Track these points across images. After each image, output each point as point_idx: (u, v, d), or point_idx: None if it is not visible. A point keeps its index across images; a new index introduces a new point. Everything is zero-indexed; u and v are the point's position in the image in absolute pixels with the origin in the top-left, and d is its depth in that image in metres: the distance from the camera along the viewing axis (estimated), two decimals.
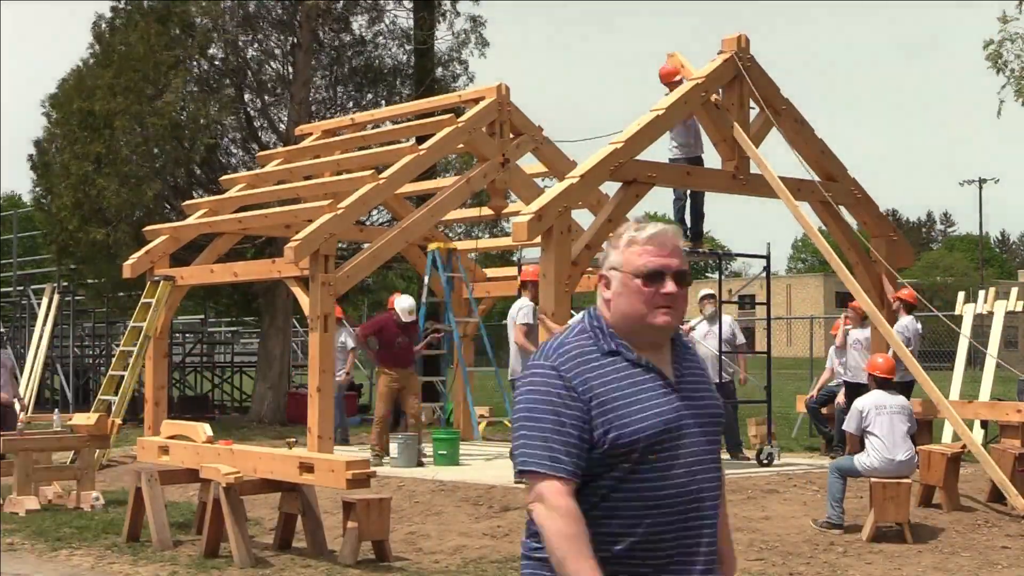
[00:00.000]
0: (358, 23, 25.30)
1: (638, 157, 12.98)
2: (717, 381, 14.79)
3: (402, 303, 14.90)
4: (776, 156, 13.58)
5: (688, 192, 14.20)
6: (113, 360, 16.48)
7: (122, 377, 15.75)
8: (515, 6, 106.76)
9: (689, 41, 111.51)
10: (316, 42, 24.01)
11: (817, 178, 14.36)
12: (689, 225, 14.29)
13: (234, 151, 25.12)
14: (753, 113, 13.99)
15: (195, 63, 23.71)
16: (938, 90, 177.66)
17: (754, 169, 13.75)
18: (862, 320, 14.67)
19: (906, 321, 14.19)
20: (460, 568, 8.92)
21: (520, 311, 12.57)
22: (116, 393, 15.69)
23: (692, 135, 13.91)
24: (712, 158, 13.99)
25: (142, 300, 16.31)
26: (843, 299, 15.37)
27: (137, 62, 22.50)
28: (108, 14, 24.46)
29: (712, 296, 15.42)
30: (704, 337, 14.68)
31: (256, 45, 24.37)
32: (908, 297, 14.46)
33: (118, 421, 14.44)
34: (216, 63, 24.38)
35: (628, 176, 12.86)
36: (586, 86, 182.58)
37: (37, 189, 26.49)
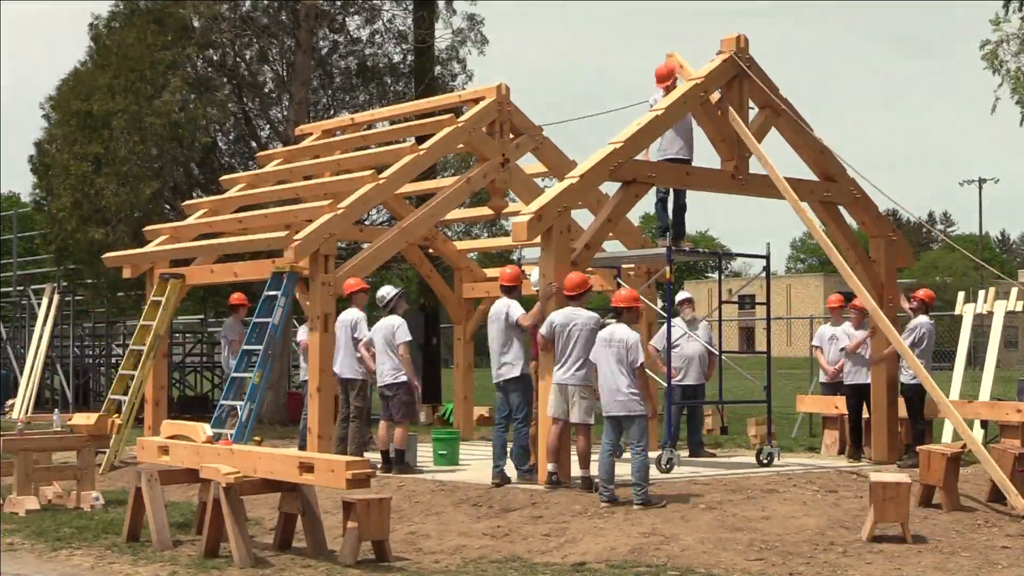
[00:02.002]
0: (355, 23, 25.33)
1: (638, 157, 13.00)
2: (701, 382, 14.93)
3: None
4: (775, 156, 13.57)
5: (670, 189, 14.15)
6: (123, 359, 16.46)
7: (132, 376, 15.73)
8: (516, 5, 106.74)
9: (689, 41, 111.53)
10: (314, 42, 24.02)
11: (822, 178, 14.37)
12: (672, 222, 14.23)
13: (232, 151, 25.14)
14: (752, 113, 14.00)
15: (193, 63, 23.73)
16: (938, 89, 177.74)
17: (753, 169, 13.75)
18: (840, 319, 14.90)
19: (922, 319, 14.18)
20: (460, 568, 8.93)
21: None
22: (125, 393, 15.67)
23: (684, 136, 13.87)
24: (712, 158, 14.00)
25: (151, 298, 16.28)
26: (843, 299, 15.38)
27: (134, 62, 22.51)
28: (105, 15, 24.51)
29: (690, 300, 15.54)
30: (687, 339, 14.77)
31: (254, 46, 24.38)
32: (925, 296, 14.46)
33: (119, 421, 14.42)
34: (213, 63, 24.39)
35: (627, 176, 12.87)
36: (586, 85, 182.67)
37: (37, 190, 26.53)
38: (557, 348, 11.77)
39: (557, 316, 11.83)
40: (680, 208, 14.16)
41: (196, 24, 23.21)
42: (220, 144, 25.17)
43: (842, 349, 14.97)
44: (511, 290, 12.62)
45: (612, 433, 11.19)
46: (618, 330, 11.18)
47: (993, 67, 17.97)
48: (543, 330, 11.87)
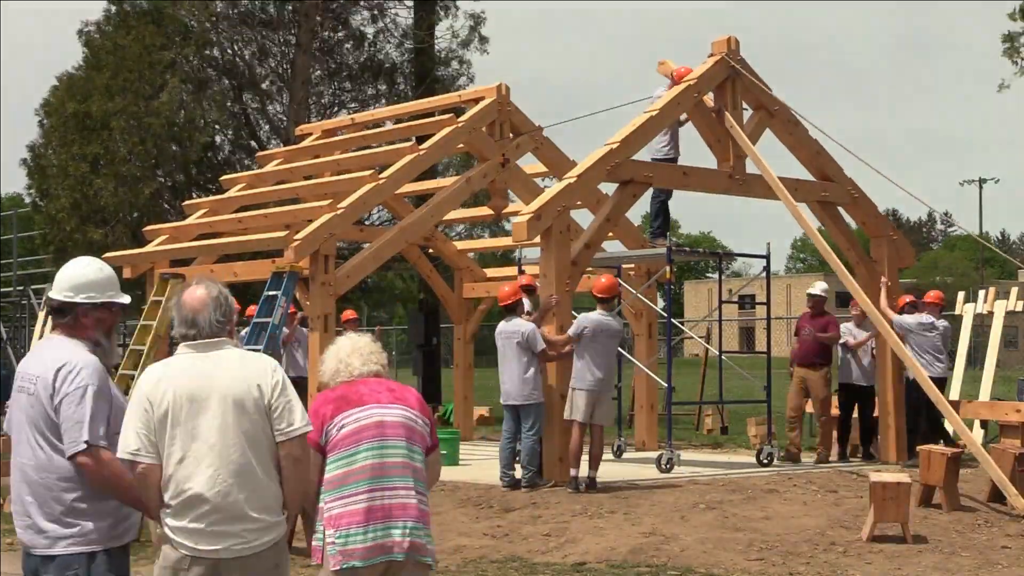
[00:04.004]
0: (357, 20, 25.35)
1: (635, 157, 13.02)
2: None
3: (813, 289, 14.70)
4: (771, 157, 13.59)
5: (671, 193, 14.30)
6: (123, 359, 16.43)
7: (132, 376, 15.68)
8: (515, 5, 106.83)
9: (689, 40, 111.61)
10: (315, 40, 24.03)
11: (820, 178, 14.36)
12: (660, 223, 14.49)
13: (232, 150, 25.17)
14: (747, 115, 14.01)
15: (190, 63, 23.75)
16: (939, 88, 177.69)
17: (750, 169, 13.75)
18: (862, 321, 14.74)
19: (918, 317, 14.11)
20: (460, 568, 8.92)
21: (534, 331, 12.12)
22: (126, 393, 15.62)
23: (671, 138, 13.97)
24: (709, 159, 14.01)
25: (152, 298, 16.24)
26: (843, 299, 15.37)
27: (132, 63, 22.52)
28: (97, 18, 24.57)
29: None
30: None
31: (253, 45, 24.40)
32: (930, 299, 14.39)
33: None
34: (211, 63, 24.42)
35: (625, 176, 12.88)
36: (584, 84, 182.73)
37: (32, 191, 26.55)
38: (584, 351, 11.80)
39: (589, 320, 11.89)
40: (663, 204, 14.41)
41: (194, 24, 23.23)
42: (219, 144, 25.20)
43: (844, 343, 14.85)
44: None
45: (512, 421, 12.06)
46: (515, 323, 12.03)
47: (1013, 59, 18.09)
48: (573, 331, 11.90)
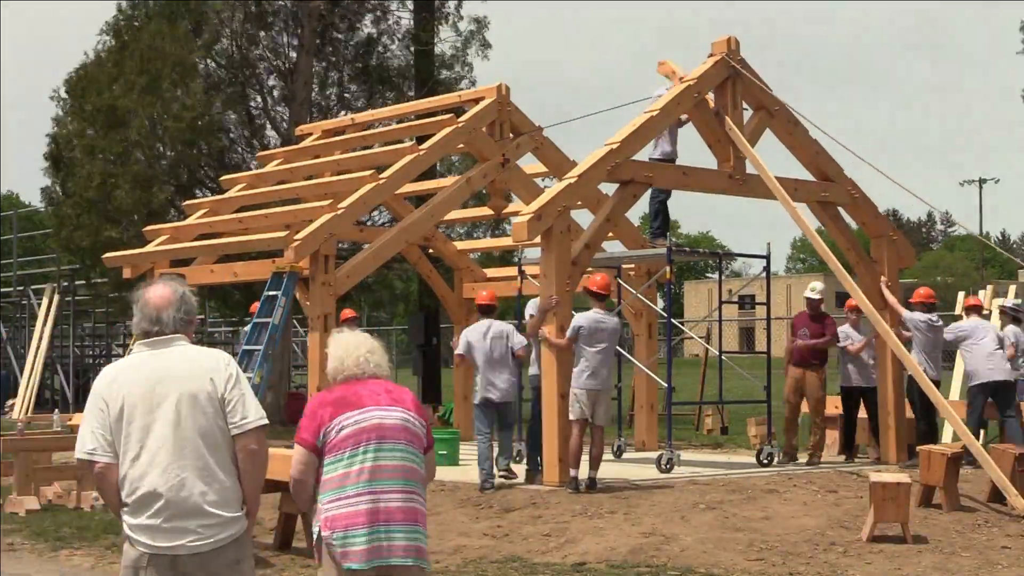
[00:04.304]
0: (361, 23, 25.32)
1: (635, 157, 13.02)
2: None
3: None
4: (771, 157, 13.57)
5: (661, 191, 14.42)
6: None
7: None
8: (515, 5, 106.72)
9: (689, 40, 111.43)
10: (319, 42, 24.01)
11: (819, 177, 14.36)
12: (659, 223, 14.64)
13: (237, 151, 25.15)
14: (747, 115, 14.00)
15: (204, 62, 23.72)
16: (939, 88, 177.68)
17: (750, 169, 13.74)
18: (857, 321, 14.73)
19: (917, 316, 14.09)
20: (460, 568, 8.92)
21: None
22: None
23: (670, 141, 14.04)
24: (709, 159, 14.01)
25: None
26: (843, 299, 15.36)
27: (155, 62, 22.45)
28: (125, 6, 24.50)
29: None
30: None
31: (261, 45, 24.37)
32: (922, 297, 14.37)
33: None
34: (222, 65, 24.39)
35: (625, 176, 12.89)
36: (585, 84, 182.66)
37: (54, 184, 26.36)
38: (582, 351, 11.83)
39: (583, 319, 11.93)
40: (663, 204, 14.58)
41: (211, 22, 23.20)
42: (229, 145, 25.18)
43: (842, 347, 14.80)
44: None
45: (488, 419, 12.36)
46: (495, 323, 12.39)
47: None
48: (568, 334, 11.93)
